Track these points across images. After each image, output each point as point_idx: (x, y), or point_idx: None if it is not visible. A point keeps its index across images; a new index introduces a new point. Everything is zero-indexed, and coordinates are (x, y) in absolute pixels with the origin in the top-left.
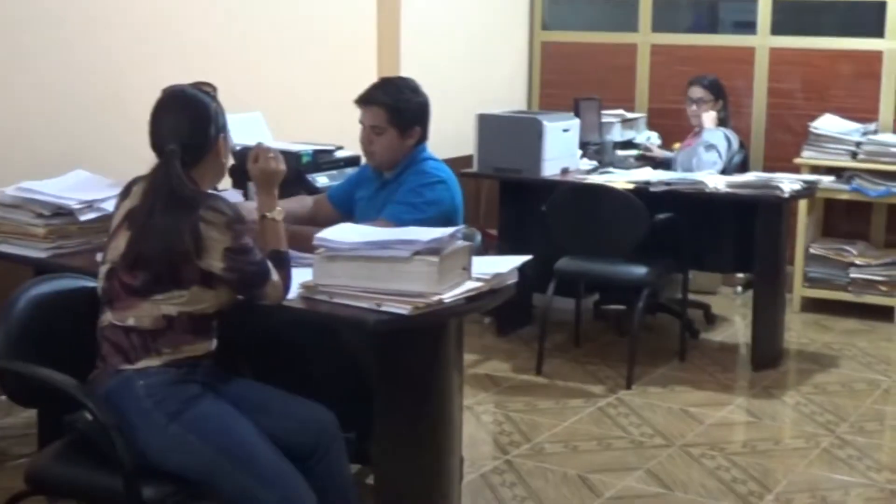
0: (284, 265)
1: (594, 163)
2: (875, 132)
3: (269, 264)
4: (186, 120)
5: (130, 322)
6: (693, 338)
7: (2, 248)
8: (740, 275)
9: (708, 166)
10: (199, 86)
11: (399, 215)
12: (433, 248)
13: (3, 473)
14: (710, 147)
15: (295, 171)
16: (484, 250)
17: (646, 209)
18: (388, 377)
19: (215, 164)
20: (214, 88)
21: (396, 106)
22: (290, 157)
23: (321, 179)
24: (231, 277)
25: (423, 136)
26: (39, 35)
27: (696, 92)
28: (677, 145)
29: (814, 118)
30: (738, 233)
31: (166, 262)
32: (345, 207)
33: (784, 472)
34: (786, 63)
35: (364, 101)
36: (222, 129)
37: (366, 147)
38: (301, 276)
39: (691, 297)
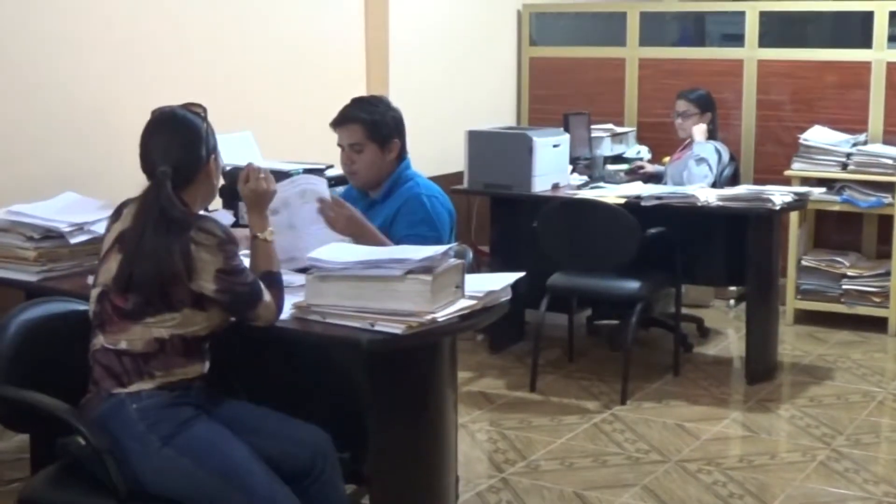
0: (277, 286)
1: (584, 178)
2: (865, 143)
3: (261, 285)
4: (177, 142)
5: (122, 345)
6: (687, 352)
7: None
8: (733, 288)
9: (699, 179)
10: (188, 107)
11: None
12: (426, 267)
13: None
14: (701, 160)
15: None
16: (476, 267)
17: (637, 224)
18: (383, 397)
19: (206, 185)
20: (204, 109)
21: (373, 120)
22: (281, 176)
23: None
24: (223, 299)
25: (403, 151)
26: (27, 58)
27: (681, 105)
28: (667, 159)
29: (803, 130)
30: (730, 246)
31: (158, 285)
32: None
33: (781, 486)
34: (774, 75)
35: (340, 121)
36: (213, 150)
37: (348, 168)
38: (292, 298)
39: (684, 310)
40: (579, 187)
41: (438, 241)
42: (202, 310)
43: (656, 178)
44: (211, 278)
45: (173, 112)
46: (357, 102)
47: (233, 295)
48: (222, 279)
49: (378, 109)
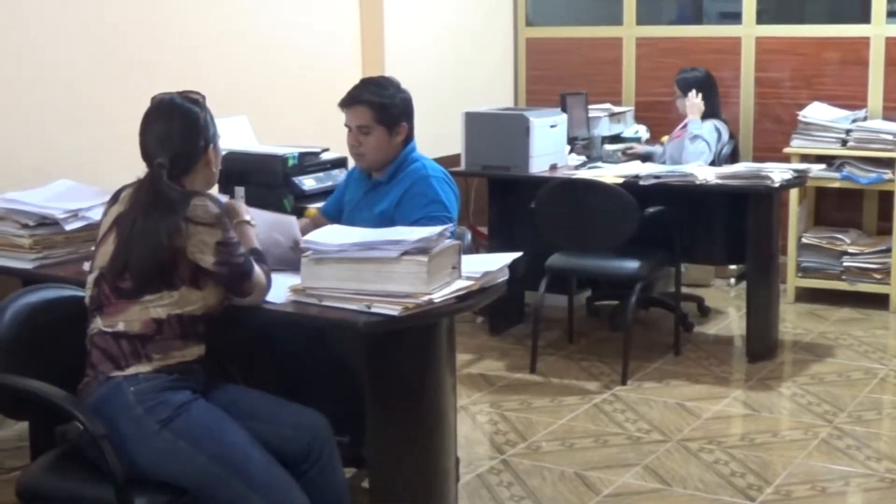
0: (264, 261)
1: (583, 158)
2: (864, 119)
3: (252, 259)
4: (175, 131)
5: (120, 327)
6: (687, 331)
7: None
8: (733, 266)
9: (695, 157)
10: (187, 94)
11: None
12: (421, 248)
13: None
14: (695, 137)
15: (281, 175)
16: (475, 249)
17: (636, 203)
18: (380, 379)
19: (205, 172)
20: (203, 97)
21: (381, 103)
22: (276, 160)
23: (307, 182)
24: (221, 271)
25: (410, 134)
26: (21, 44)
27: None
28: (665, 138)
29: (802, 107)
30: (729, 224)
31: (158, 263)
32: (340, 219)
33: (783, 464)
34: (772, 52)
35: (348, 102)
36: (212, 139)
37: (355, 150)
38: (289, 281)
39: (684, 290)
40: (577, 167)
41: (450, 221)
42: (199, 288)
43: (648, 159)
44: (211, 251)
45: (172, 100)
46: (366, 84)
47: (230, 267)
48: (221, 251)
49: (388, 92)
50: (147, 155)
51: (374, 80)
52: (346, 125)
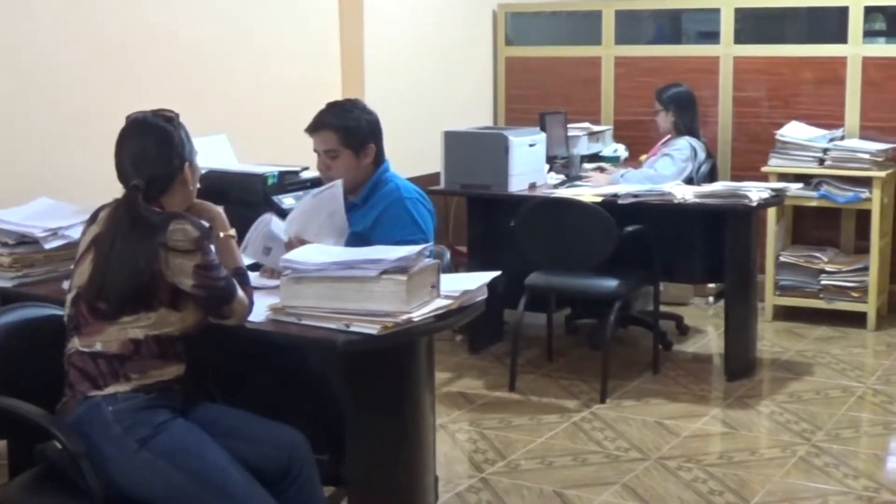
0: (247, 282)
1: (561, 177)
2: (842, 138)
3: (234, 281)
4: (149, 151)
5: (97, 347)
6: (666, 349)
7: None
8: (712, 285)
9: (663, 176)
10: (160, 112)
11: None
12: (400, 267)
13: None
14: (665, 156)
15: (261, 193)
16: (454, 267)
17: (614, 222)
18: (359, 398)
19: (182, 192)
20: (177, 115)
21: (346, 125)
22: (256, 179)
23: (287, 200)
24: (200, 294)
25: (380, 154)
26: (1, 63)
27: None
28: (643, 157)
29: (780, 126)
30: (708, 243)
31: (135, 287)
32: None
33: (761, 482)
34: (750, 71)
35: (313, 127)
36: (187, 157)
37: (324, 174)
38: (268, 300)
39: (663, 308)
40: (556, 186)
41: (425, 242)
42: (177, 310)
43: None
44: (189, 275)
45: (144, 119)
46: (331, 108)
47: (209, 290)
48: (200, 275)
49: (352, 115)
50: (122, 176)
51: (339, 103)
52: (315, 150)
